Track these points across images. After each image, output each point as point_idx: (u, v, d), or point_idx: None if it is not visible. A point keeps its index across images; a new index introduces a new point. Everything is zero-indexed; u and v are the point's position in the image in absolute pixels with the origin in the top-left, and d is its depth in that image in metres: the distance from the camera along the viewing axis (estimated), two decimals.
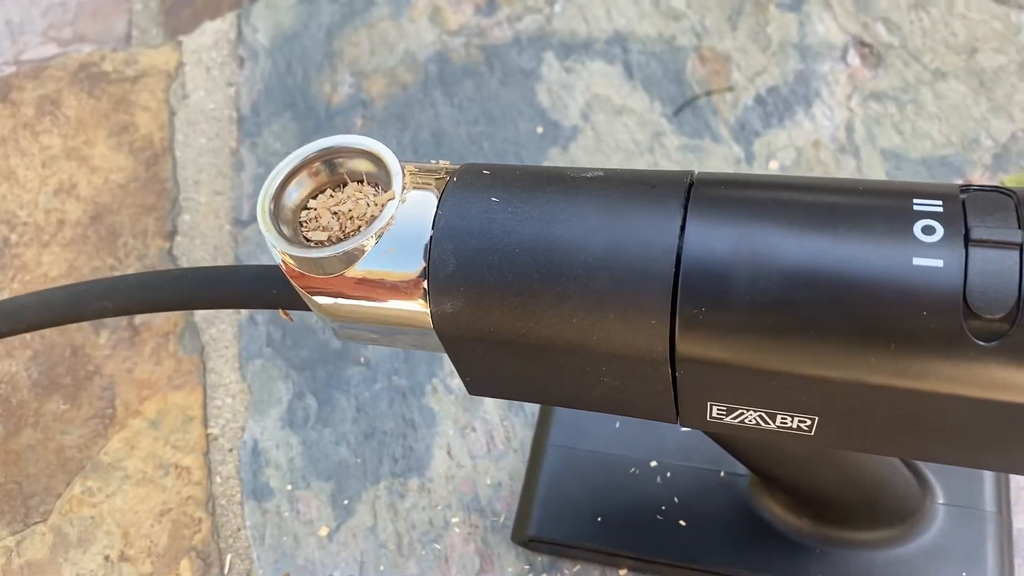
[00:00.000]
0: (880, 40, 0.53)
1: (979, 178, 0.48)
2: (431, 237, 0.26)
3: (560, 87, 0.56)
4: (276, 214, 0.28)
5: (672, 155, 0.52)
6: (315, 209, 0.28)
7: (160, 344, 0.51)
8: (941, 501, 0.37)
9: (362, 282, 0.27)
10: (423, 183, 0.27)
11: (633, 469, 0.40)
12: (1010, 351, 0.22)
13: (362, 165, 0.28)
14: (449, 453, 0.45)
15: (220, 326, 0.51)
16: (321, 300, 0.28)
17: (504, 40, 0.58)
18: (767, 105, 0.53)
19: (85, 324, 0.52)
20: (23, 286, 0.54)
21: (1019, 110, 0.49)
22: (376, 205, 0.27)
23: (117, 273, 0.54)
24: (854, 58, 0.53)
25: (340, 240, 0.27)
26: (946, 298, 0.22)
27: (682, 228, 0.24)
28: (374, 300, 0.27)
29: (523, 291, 0.25)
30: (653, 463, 0.40)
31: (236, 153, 0.57)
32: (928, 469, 0.38)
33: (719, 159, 0.51)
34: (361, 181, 0.29)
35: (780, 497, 0.37)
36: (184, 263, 0.53)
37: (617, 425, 0.41)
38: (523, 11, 0.59)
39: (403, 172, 0.27)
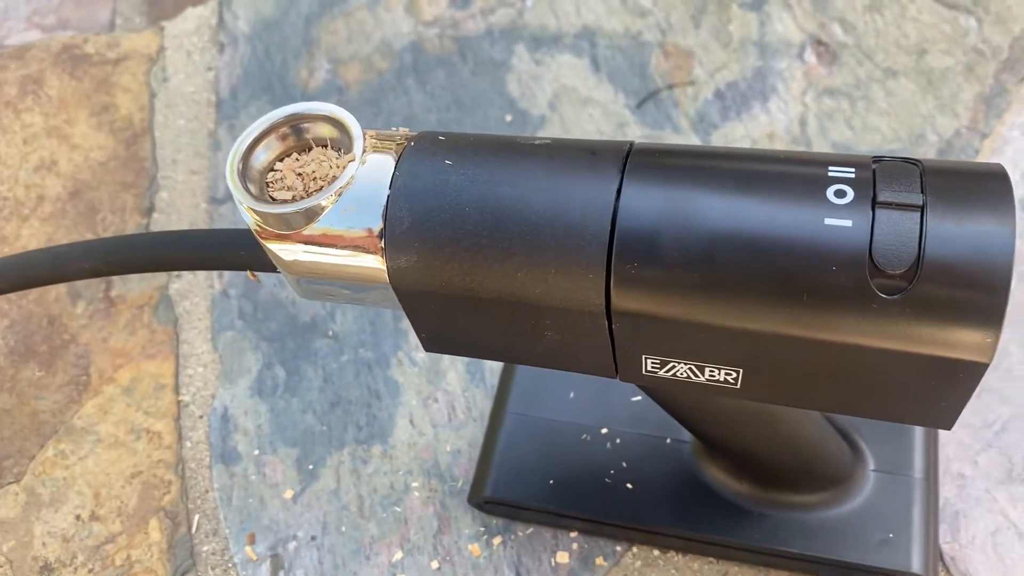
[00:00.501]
0: (836, 39, 0.56)
1: None
2: (388, 196, 0.28)
3: (529, 78, 0.58)
4: (244, 174, 0.30)
5: None
6: (280, 171, 0.30)
7: (135, 315, 0.52)
8: (872, 467, 0.39)
9: (323, 237, 0.29)
10: (383, 147, 0.29)
11: (584, 435, 0.42)
12: (910, 305, 0.24)
13: (326, 130, 0.30)
14: (411, 422, 0.47)
15: (193, 299, 0.52)
16: (285, 255, 0.29)
17: (477, 32, 0.61)
18: (726, 99, 0.55)
19: (62, 295, 0.53)
20: None
21: (963, 108, 0.52)
22: (338, 167, 0.29)
23: None
24: (811, 56, 0.56)
25: (304, 198, 0.29)
26: (854, 255, 0.24)
27: (618, 191, 0.26)
28: (334, 256, 0.29)
29: (472, 247, 0.27)
30: (604, 430, 0.42)
31: (214, 135, 0.59)
32: (860, 437, 0.40)
33: None
34: (325, 146, 0.30)
35: (721, 462, 0.39)
36: None
37: (571, 395, 0.43)
38: (496, 5, 0.61)
39: (364, 136, 0.29)
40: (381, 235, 0.28)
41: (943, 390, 0.26)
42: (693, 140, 0.54)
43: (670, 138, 0.54)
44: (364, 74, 0.60)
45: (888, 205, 0.24)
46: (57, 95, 0.62)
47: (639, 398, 0.42)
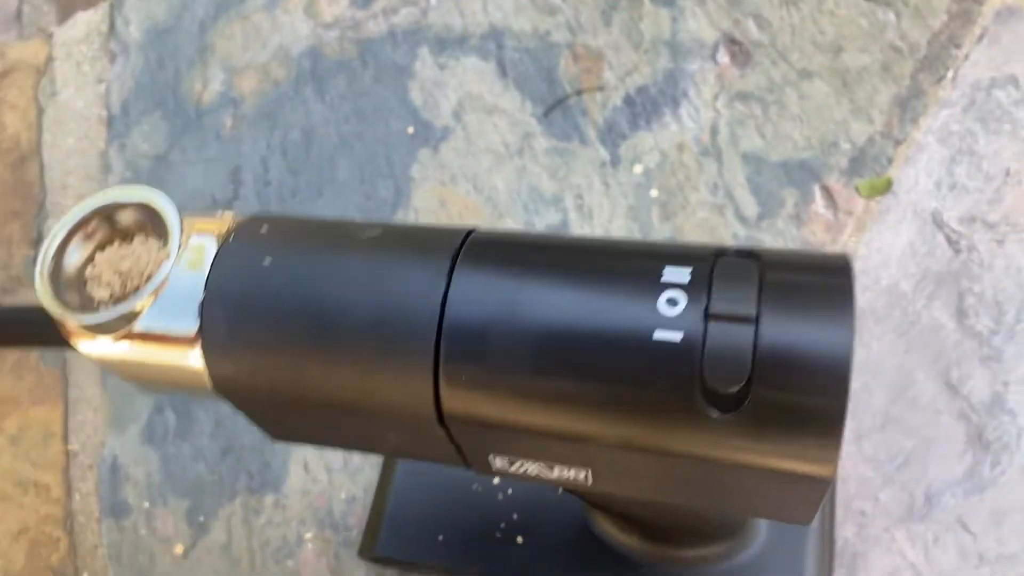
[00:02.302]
0: (750, 37, 0.53)
1: (835, 183, 0.48)
2: (201, 300, 0.26)
3: (433, 84, 0.55)
4: (56, 274, 0.27)
5: (540, 159, 0.52)
6: (99, 266, 0.28)
7: (21, 357, 0.50)
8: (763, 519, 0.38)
9: (141, 340, 0.27)
10: (202, 239, 0.27)
11: (476, 485, 0.41)
12: (744, 421, 0.22)
13: (144, 217, 0.28)
14: (305, 468, 0.45)
15: None
16: (100, 356, 0.27)
17: (379, 33, 0.57)
18: (635, 106, 0.52)
19: None
20: None
21: (878, 112, 0.50)
22: (154, 263, 0.27)
23: None
24: (723, 56, 0.53)
25: (120, 300, 0.27)
26: (683, 373, 0.22)
27: (446, 289, 0.24)
28: (155, 358, 0.27)
29: (295, 357, 0.25)
30: (496, 480, 0.41)
31: (104, 155, 0.56)
32: None
33: (585, 162, 0.51)
34: (148, 232, 0.28)
35: (612, 517, 0.38)
36: None
37: None
38: (399, 3, 0.58)
39: (181, 228, 0.27)
40: (198, 341, 0.26)
41: (794, 495, 0.24)
42: (600, 152, 0.51)
43: (577, 150, 0.52)
44: (260, 84, 0.57)
45: (720, 318, 0.22)
46: None
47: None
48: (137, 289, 0.27)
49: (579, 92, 0.53)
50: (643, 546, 0.38)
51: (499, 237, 0.26)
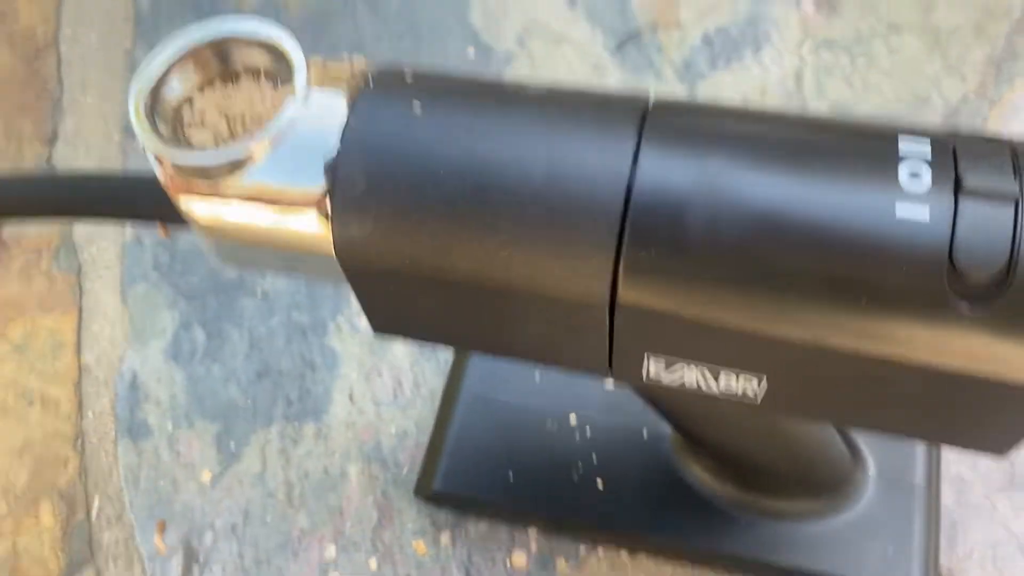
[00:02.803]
0: None
1: None
2: (338, 150, 0.22)
3: (495, 7, 0.51)
4: (153, 108, 0.23)
5: None
6: (201, 106, 0.24)
7: (31, 261, 0.45)
8: (872, 473, 0.35)
9: (252, 196, 0.23)
10: (332, 84, 0.23)
11: (550, 423, 0.37)
12: (996, 319, 0.19)
13: (260, 57, 0.24)
14: (351, 398, 0.41)
15: (101, 244, 0.45)
16: (201, 213, 0.23)
17: None
18: (715, 46, 0.49)
19: None
20: None
21: (972, 71, 0.47)
22: (272, 106, 0.23)
23: None
24: (808, 4, 0.50)
25: (228, 144, 0.23)
26: (930, 255, 0.19)
27: (635, 158, 0.21)
28: (265, 218, 0.23)
29: (446, 218, 0.22)
30: (572, 418, 0.37)
31: (130, 55, 0.51)
32: (861, 440, 0.36)
33: None
34: (258, 76, 0.24)
35: (706, 462, 0.35)
36: None
37: (536, 376, 0.38)
38: None
39: (308, 68, 0.23)
40: (327, 197, 0.22)
41: (1015, 418, 0.21)
42: (677, 89, 0.48)
43: (653, 86, 0.48)
44: None
45: (975, 194, 0.19)
46: None
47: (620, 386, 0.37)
48: (250, 133, 0.23)
49: (654, 28, 0.50)
50: (739, 495, 0.35)
51: (689, 105, 0.23)
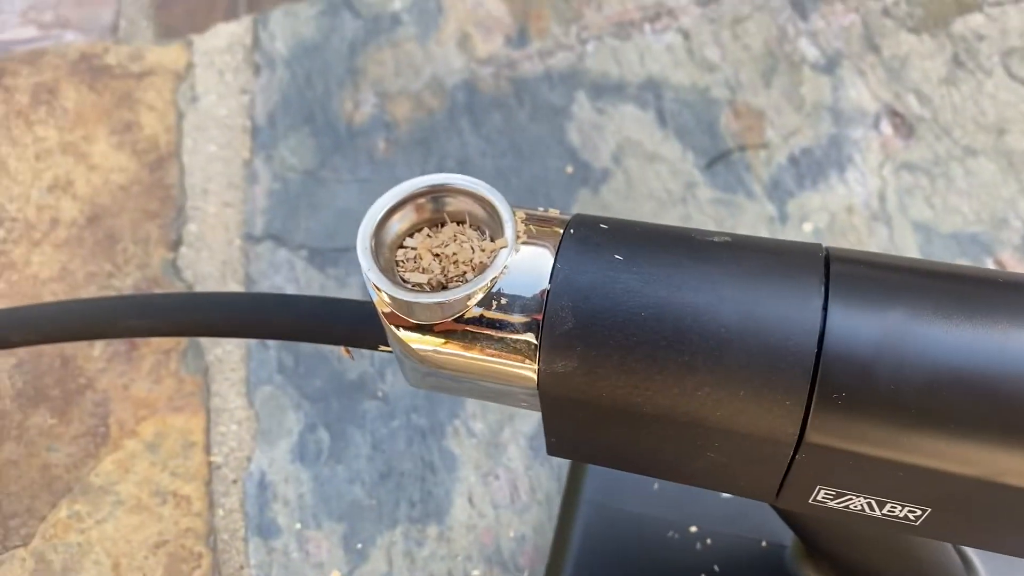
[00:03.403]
0: (912, 111, 0.54)
1: (1009, 258, 0.48)
2: (547, 291, 0.25)
3: (591, 127, 0.55)
4: (376, 249, 0.26)
5: (705, 208, 0.51)
6: (415, 249, 0.26)
7: (160, 361, 0.47)
8: None
9: (467, 332, 0.25)
10: (536, 232, 0.26)
11: (672, 533, 0.39)
12: None
13: (467, 206, 0.27)
14: (470, 501, 0.43)
15: (227, 347, 0.48)
16: (419, 347, 0.26)
17: (534, 74, 0.57)
18: (800, 166, 0.52)
19: None
20: (9, 286, 0.51)
21: None
22: (484, 251, 0.26)
23: (115, 280, 0.50)
24: (886, 127, 0.54)
25: (441, 284, 0.26)
26: None
27: (824, 307, 0.23)
28: (476, 353, 0.26)
29: (646, 358, 0.24)
30: (693, 528, 0.39)
31: (249, 164, 0.55)
32: (973, 553, 0.37)
33: (753, 216, 0.51)
34: (462, 223, 0.27)
35: (825, 572, 0.36)
36: (189, 276, 0.50)
37: (655, 486, 0.40)
38: (555, 47, 0.58)
39: (515, 219, 0.26)
40: (537, 335, 0.25)
41: None
42: (767, 207, 0.51)
43: (743, 203, 0.51)
44: (414, 111, 0.56)
45: None
46: (74, 108, 0.58)
47: (731, 496, 0.39)
48: (463, 276, 0.25)
49: (742, 148, 0.53)
50: None
51: (865, 256, 0.25)
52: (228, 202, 0.53)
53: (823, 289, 0.23)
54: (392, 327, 0.26)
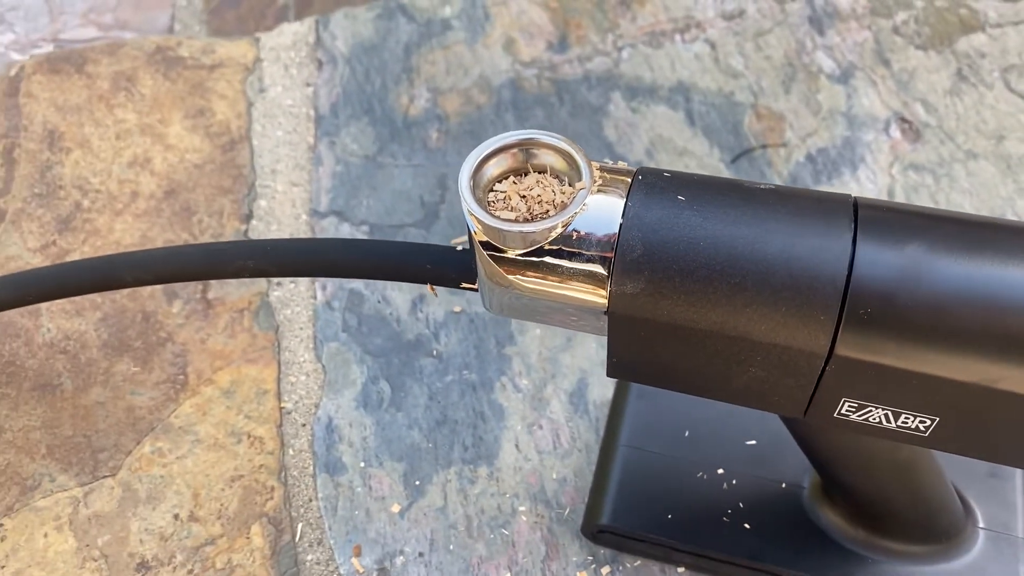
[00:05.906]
0: (919, 118, 0.59)
1: None
2: (621, 224, 0.30)
3: (626, 124, 0.60)
4: (473, 188, 0.31)
5: None
6: (503, 191, 0.31)
7: (234, 319, 0.52)
8: (980, 525, 0.41)
9: (549, 263, 0.30)
10: (608, 179, 0.31)
11: (701, 474, 0.43)
12: None
13: (549, 158, 0.32)
14: (517, 446, 0.47)
15: (295, 308, 0.53)
16: (510, 275, 0.31)
17: (574, 76, 0.63)
18: (817, 163, 0.58)
19: (157, 292, 0.53)
20: (94, 250, 0.55)
21: None
22: (563, 194, 0.31)
23: None
24: (895, 131, 0.59)
25: (527, 220, 0.30)
26: None
27: (854, 240, 0.28)
28: (555, 279, 0.30)
29: (703, 279, 0.29)
30: (720, 470, 0.43)
31: (314, 148, 0.60)
32: (970, 495, 0.42)
33: None
34: (543, 172, 0.32)
35: (840, 508, 0.41)
36: None
37: (686, 433, 0.44)
38: (592, 53, 0.64)
39: (591, 167, 0.31)
40: (610, 262, 0.29)
41: None
42: None
43: None
44: (463, 106, 0.61)
45: None
46: (151, 94, 0.63)
47: (753, 442, 0.44)
48: (547, 214, 0.30)
49: (764, 146, 0.59)
50: (867, 538, 0.41)
51: (887, 204, 0.30)
52: (295, 182, 0.58)
53: (852, 226, 0.28)
54: (485, 254, 0.31)
